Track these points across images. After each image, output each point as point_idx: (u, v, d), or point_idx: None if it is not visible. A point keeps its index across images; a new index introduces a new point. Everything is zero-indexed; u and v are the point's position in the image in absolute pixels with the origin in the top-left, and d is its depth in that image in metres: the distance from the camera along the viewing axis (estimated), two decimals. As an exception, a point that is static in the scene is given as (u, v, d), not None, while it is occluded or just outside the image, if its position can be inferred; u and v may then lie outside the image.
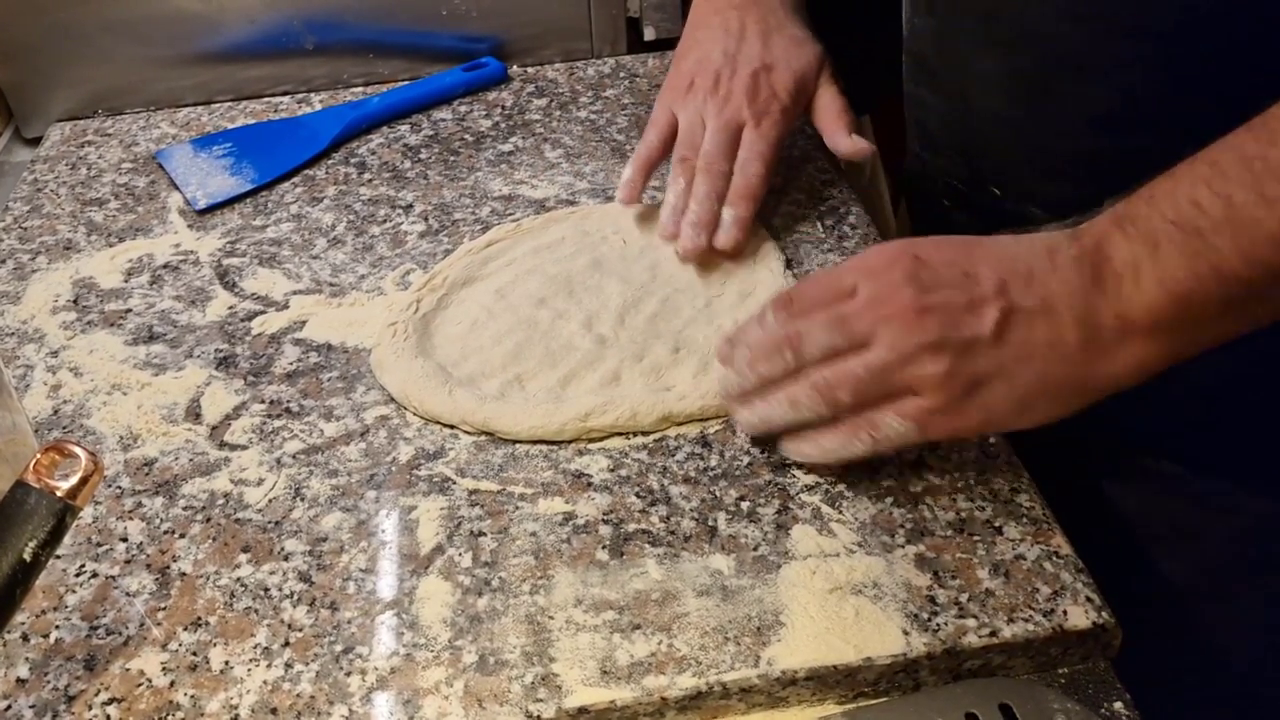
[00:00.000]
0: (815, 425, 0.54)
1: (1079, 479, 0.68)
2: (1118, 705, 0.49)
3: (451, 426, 0.62)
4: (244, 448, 0.62)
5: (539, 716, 0.48)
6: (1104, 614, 0.50)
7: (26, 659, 0.52)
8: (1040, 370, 0.50)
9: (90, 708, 0.49)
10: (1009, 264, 0.51)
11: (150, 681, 0.50)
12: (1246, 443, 0.62)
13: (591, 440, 0.61)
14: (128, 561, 0.56)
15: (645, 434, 0.61)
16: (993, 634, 0.50)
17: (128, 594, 0.54)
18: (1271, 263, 0.45)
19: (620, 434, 0.61)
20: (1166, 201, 0.47)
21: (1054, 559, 0.53)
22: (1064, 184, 0.52)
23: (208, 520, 0.58)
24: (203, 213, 0.83)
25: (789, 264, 0.72)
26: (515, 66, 1.00)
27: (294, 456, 0.61)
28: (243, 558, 0.56)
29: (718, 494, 0.57)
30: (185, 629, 0.52)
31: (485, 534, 0.56)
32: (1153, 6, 0.54)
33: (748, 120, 0.71)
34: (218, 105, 0.98)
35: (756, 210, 0.71)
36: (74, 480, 0.46)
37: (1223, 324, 0.48)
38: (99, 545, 0.57)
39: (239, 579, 0.55)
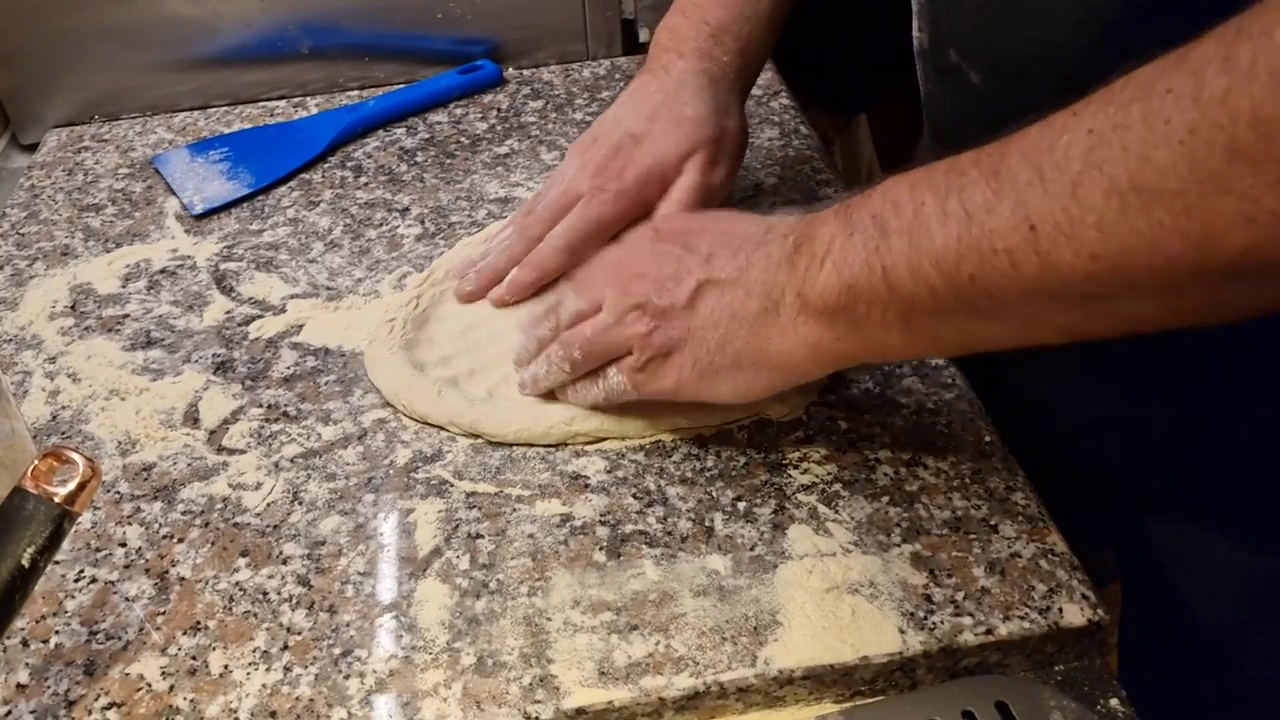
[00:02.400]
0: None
1: (1102, 511, 0.68)
2: (1113, 702, 0.49)
3: (442, 428, 0.62)
4: (242, 452, 0.63)
5: (537, 718, 0.48)
6: (1099, 611, 0.51)
7: (26, 664, 0.52)
8: (721, 337, 0.53)
9: (90, 712, 0.50)
10: (724, 238, 0.55)
11: (150, 686, 0.50)
12: (1245, 496, 0.62)
13: (589, 442, 0.61)
14: (127, 566, 0.56)
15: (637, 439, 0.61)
16: (989, 632, 0.50)
17: (127, 599, 0.55)
18: (930, 279, 0.44)
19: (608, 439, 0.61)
20: (879, 195, 0.47)
21: (1049, 557, 0.53)
22: None
23: (206, 525, 0.58)
24: (199, 218, 0.84)
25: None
26: (510, 69, 1.00)
27: (292, 460, 0.62)
28: (241, 562, 0.56)
29: (714, 494, 0.57)
30: (184, 633, 0.53)
31: (483, 536, 0.56)
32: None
33: (585, 193, 0.69)
34: (214, 110, 0.99)
35: (541, 280, 0.70)
36: (72, 486, 0.46)
37: (894, 329, 0.47)
38: (98, 550, 0.57)
39: (238, 583, 0.55)
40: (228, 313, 0.73)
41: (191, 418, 0.65)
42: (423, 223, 0.81)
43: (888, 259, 0.46)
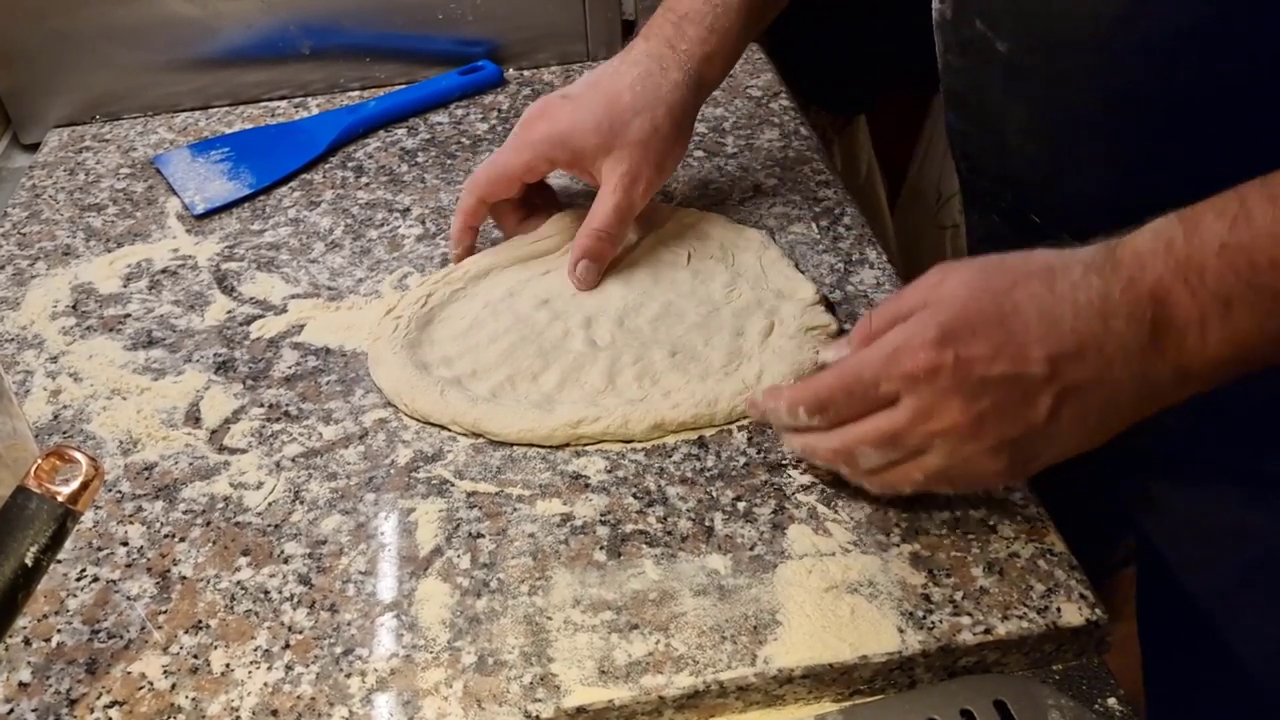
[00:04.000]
0: None
1: (1113, 483, 0.68)
2: (1111, 701, 0.49)
3: (444, 427, 0.63)
4: (243, 451, 0.63)
5: (537, 716, 0.48)
6: (1097, 611, 0.51)
7: (29, 663, 0.52)
8: (1093, 428, 0.49)
9: (92, 711, 0.50)
10: (1057, 337, 0.48)
11: (151, 684, 0.51)
12: (1259, 458, 0.62)
13: (588, 444, 0.61)
14: (128, 565, 0.57)
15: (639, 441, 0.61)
16: (987, 631, 0.50)
17: (129, 598, 0.55)
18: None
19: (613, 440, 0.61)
20: (1241, 257, 0.45)
21: (1048, 557, 0.53)
22: (1100, 222, 0.51)
23: (208, 524, 0.58)
24: (201, 217, 0.84)
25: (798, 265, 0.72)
26: (511, 70, 1.00)
27: (293, 460, 0.62)
28: (243, 561, 0.56)
29: (714, 494, 0.58)
30: (186, 632, 0.53)
31: (483, 535, 0.56)
32: (1171, 73, 0.53)
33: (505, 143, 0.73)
34: (215, 110, 0.99)
35: (461, 224, 0.74)
36: (75, 485, 0.47)
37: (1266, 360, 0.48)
38: (100, 549, 0.58)
39: (239, 582, 0.55)
40: (229, 312, 0.74)
41: (193, 417, 0.65)
42: (424, 223, 0.81)
43: (1253, 324, 0.45)
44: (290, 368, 0.68)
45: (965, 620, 0.50)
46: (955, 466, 0.50)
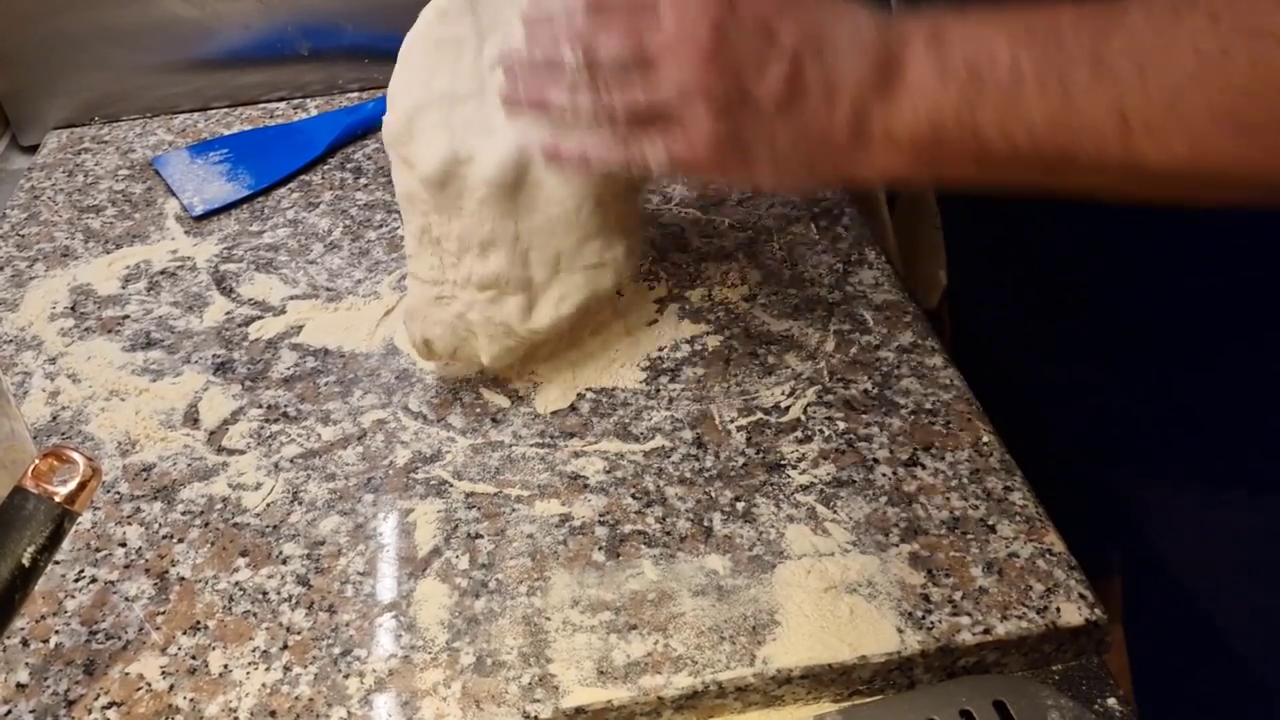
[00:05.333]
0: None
1: (1093, 469, 0.68)
2: (1111, 701, 0.49)
3: (447, 430, 0.62)
4: (242, 452, 0.63)
5: (536, 717, 0.48)
6: (1096, 611, 0.51)
7: (26, 664, 0.52)
8: (804, 147, 0.50)
9: (90, 712, 0.50)
10: (814, 30, 0.49)
11: (150, 685, 0.51)
12: (1262, 444, 0.62)
13: (589, 446, 0.61)
14: (126, 566, 0.56)
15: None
16: (986, 631, 0.50)
17: (127, 599, 0.55)
18: (1017, 143, 0.45)
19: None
20: (972, 39, 0.46)
21: (1047, 556, 0.53)
22: (1064, 220, 0.52)
23: (206, 525, 0.58)
24: (199, 219, 0.84)
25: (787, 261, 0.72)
26: (510, 71, 1.00)
27: (291, 461, 0.62)
28: (241, 562, 0.56)
29: (713, 495, 0.58)
30: (184, 633, 0.53)
31: (482, 536, 0.56)
32: None
33: None
34: (214, 111, 0.99)
35: None
36: (72, 485, 0.47)
37: (970, 171, 0.48)
38: (98, 550, 0.57)
39: (237, 583, 0.55)
40: (227, 314, 0.74)
41: (191, 418, 0.65)
42: (422, 224, 0.81)
43: (980, 115, 0.46)
44: (289, 369, 0.68)
45: (964, 620, 0.50)
46: (674, 102, 0.50)
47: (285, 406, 0.65)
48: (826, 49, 0.49)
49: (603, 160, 0.53)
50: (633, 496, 0.58)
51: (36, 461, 0.47)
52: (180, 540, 0.58)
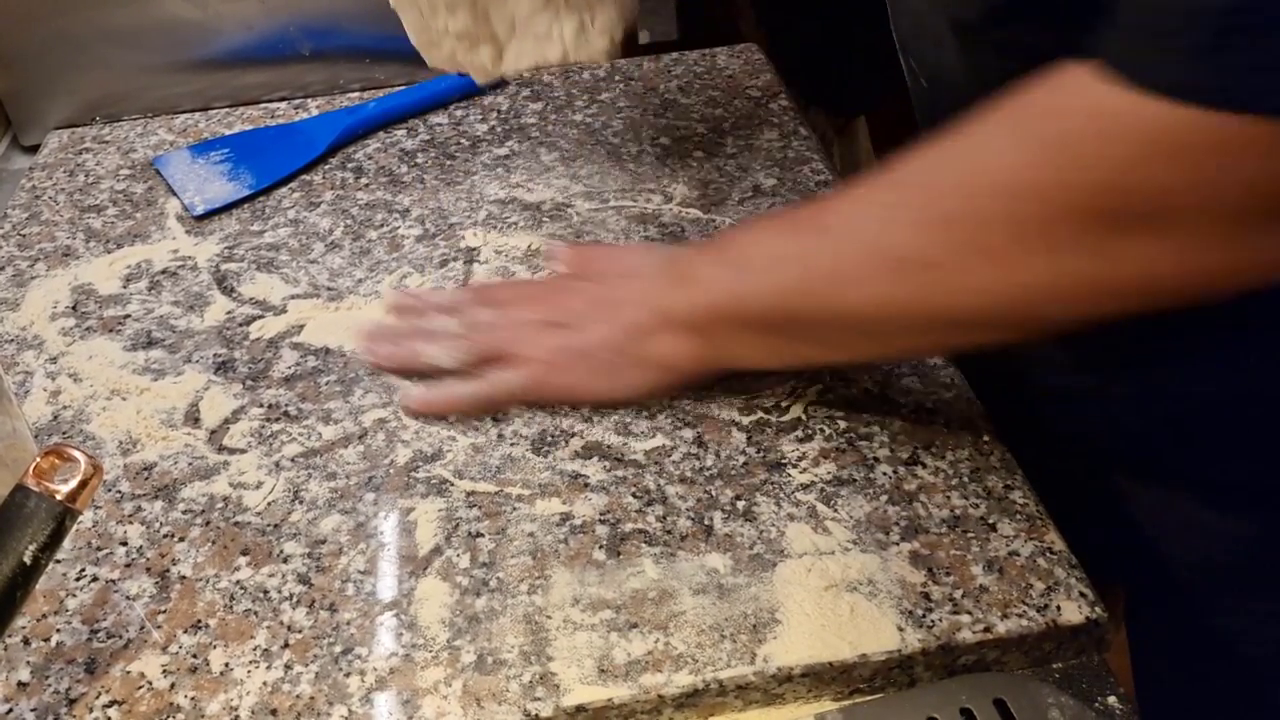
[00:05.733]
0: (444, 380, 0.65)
1: (1084, 470, 0.68)
2: (1111, 700, 0.49)
3: (448, 429, 0.63)
4: (243, 451, 0.63)
5: (537, 715, 0.48)
6: (1097, 609, 0.51)
7: (28, 662, 0.52)
8: (615, 342, 0.62)
9: (91, 710, 0.50)
10: (623, 266, 0.68)
11: (151, 684, 0.51)
12: (1231, 451, 0.62)
13: (589, 445, 0.61)
14: (128, 565, 0.57)
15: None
16: (987, 630, 0.50)
17: (128, 597, 0.55)
18: (771, 306, 0.56)
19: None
20: (746, 240, 0.61)
21: (1047, 555, 0.53)
22: None
23: (207, 524, 0.58)
24: (200, 218, 0.84)
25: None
26: (511, 71, 1.00)
27: (292, 460, 0.62)
28: (242, 560, 0.56)
29: (714, 493, 0.58)
30: (185, 631, 0.53)
31: (483, 535, 0.56)
32: None
33: None
34: (215, 111, 0.99)
35: None
36: (73, 484, 0.47)
37: (749, 340, 0.59)
38: (99, 549, 0.58)
39: (238, 581, 0.55)
40: (228, 313, 0.74)
41: (192, 417, 0.65)
42: (423, 224, 0.81)
43: (742, 289, 0.58)
44: (290, 368, 0.68)
45: (965, 619, 0.50)
46: (514, 335, 0.65)
47: (286, 406, 0.66)
48: (630, 275, 0.66)
49: (469, 397, 0.64)
50: (633, 495, 0.58)
51: (38, 460, 0.47)
52: (181, 539, 0.58)
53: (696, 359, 0.61)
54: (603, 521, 0.57)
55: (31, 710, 0.50)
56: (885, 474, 0.58)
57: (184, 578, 0.56)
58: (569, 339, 0.63)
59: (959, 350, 0.64)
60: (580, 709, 0.48)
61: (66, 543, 0.50)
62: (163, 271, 0.78)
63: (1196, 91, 0.41)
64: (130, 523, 0.59)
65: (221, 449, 0.63)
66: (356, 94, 1.00)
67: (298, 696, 0.50)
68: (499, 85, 0.98)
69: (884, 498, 0.57)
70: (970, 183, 0.49)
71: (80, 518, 0.48)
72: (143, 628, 0.53)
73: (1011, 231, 0.47)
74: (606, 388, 0.63)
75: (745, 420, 0.62)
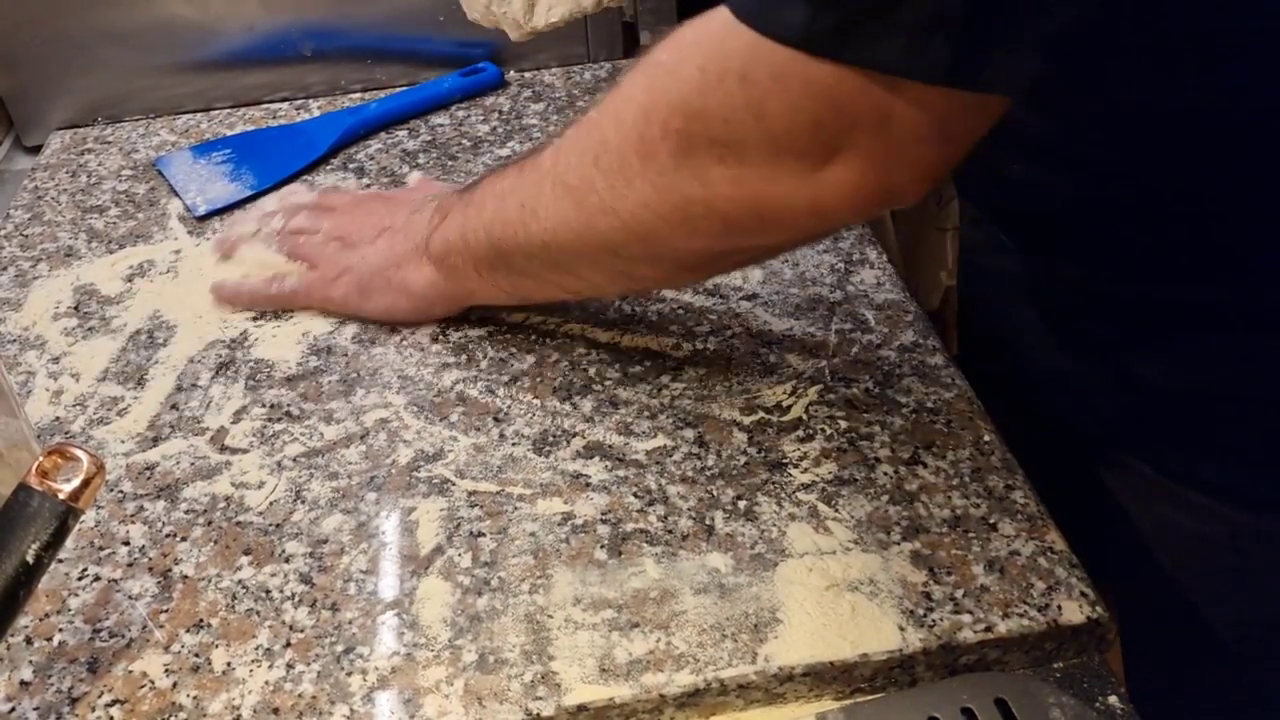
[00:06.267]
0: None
1: (1074, 472, 0.68)
2: (1112, 699, 0.49)
3: (450, 429, 0.63)
4: (245, 451, 0.63)
5: (539, 714, 0.48)
6: (1098, 609, 0.51)
7: (30, 662, 0.52)
8: (377, 264, 0.70)
9: (93, 709, 0.50)
10: (404, 205, 0.73)
11: (153, 683, 0.51)
12: (1221, 454, 0.62)
13: (591, 445, 0.61)
14: (130, 564, 0.57)
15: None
16: (988, 629, 0.50)
17: (130, 597, 0.55)
18: (483, 241, 0.63)
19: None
20: (484, 183, 0.65)
21: (1048, 555, 0.53)
22: (1071, 234, 0.58)
23: (209, 523, 0.59)
24: (203, 219, 0.84)
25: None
26: (512, 71, 1.01)
27: (294, 459, 0.62)
28: (244, 560, 0.56)
29: (715, 493, 0.58)
30: (187, 631, 0.53)
31: (484, 534, 0.56)
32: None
33: None
34: (217, 112, 0.99)
35: None
36: (76, 483, 0.47)
37: (472, 274, 0.65)
38: (101, 549, 0.58)
39: (240, 581, 0.55)
40: (230, 315, 0.74)
41: (194, 418, 0.65)
42: (425, 224, 0.81)
43: (468, 224, 0.64)
44: (292, 368, 0.68)
45: (966, 618, 0.51)
46: (309, 237, 0.75)
47: (288, 405, 0.66)
48: (412, 207, 0.71)
49: (252, 294, 0.74)
50: (635, 495, 0.58)
51: (40, 459, 0.47)
52: (183, 538, 0.58)
53: (437, 290, 0.68)
54: (604, 521, 0.57)
55: (34, 709, 0.50)
56: (886, 474, 0.58)
57: (186, 577, 0.56)
58: (347, 257, 0.71)
59: (643, 292, 0.70)
60: (582, 708, 0.49)
61: (69, 542, 0.50)
62: (165, 272, 0.78)
63: (751, 16, 0.45)
64: (132, 522, 0.59)
65: (224, 449, 0.63)
66: (358, 94, 1.00)
67: (299, 696, 0.50)
68: (500, 86, 0.98)
69: (885, 497, 0.57)
70: (616, 109, 0.53)
71: (83, 517, 0.48)
72: (145, 627, 0.53)
73: (637, 152, 0.51)
74: (359, 305, 0.70)
75: (746, 420, 0.62)
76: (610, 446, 0.61)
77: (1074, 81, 0.50)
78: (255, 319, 0.73)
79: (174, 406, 0.66)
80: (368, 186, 0.86)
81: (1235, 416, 0.61)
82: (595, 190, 0.54)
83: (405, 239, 0.69)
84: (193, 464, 0.62)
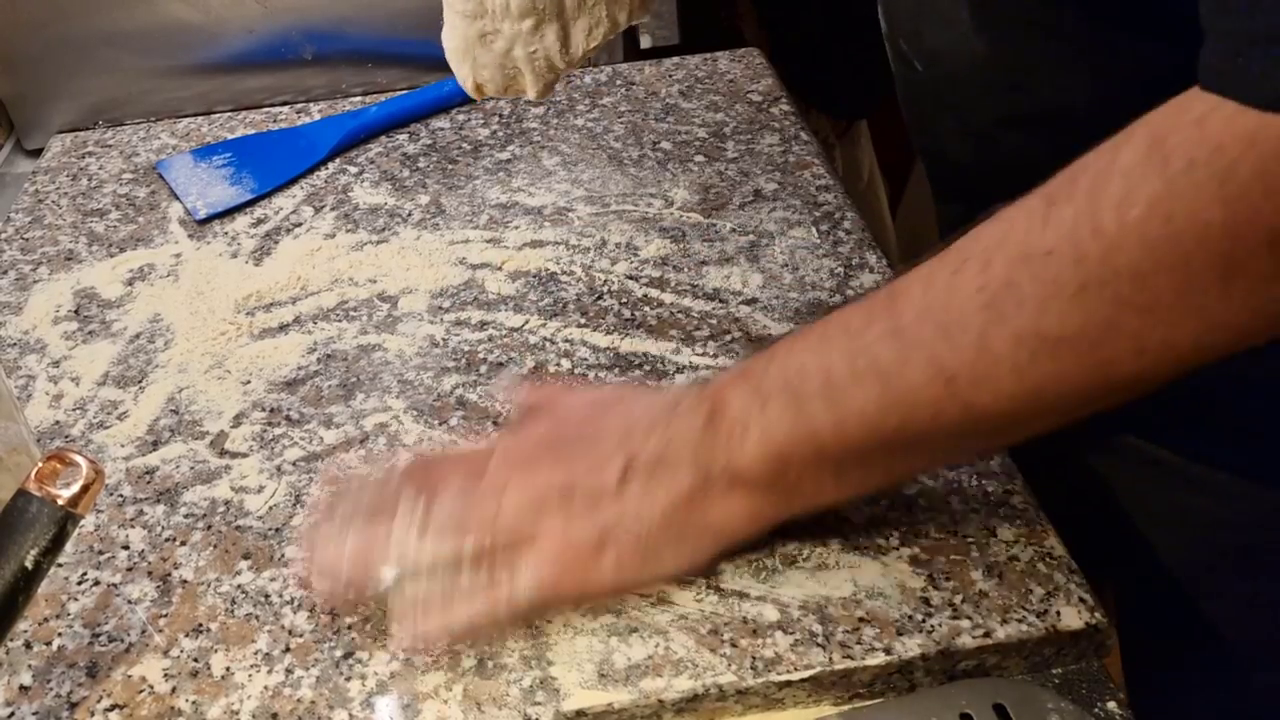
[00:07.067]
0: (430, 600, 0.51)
1: (1071, 462, 0.68)
2: (1111, 705, 0.49)
3: (449, 433, 0.63)
4: (244, 455, 0.63)
5: (537, 719, 0.48)
6: (1097, 614, 0.51)
7: (29, 666, 0.52)
8: (661, 519, 0.50)
9: (93, 714, 0.50)
10: (636, 415, 0.52)
11: (152, 688, 0.51)
12: (1237, 432, 0.62)
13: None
14: (129, 569, 0.57)
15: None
16: (987, 635, 0.50)
17: (129, 601, 0.55)
18: (856, 437, 0.47)
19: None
20: (780, 362, 0.49)
21: (1047, 560, 0.53)
22: None
23: (208, 528, 0.59)
24: (203, 222, 0.84)
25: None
26: (513, 75, 1.01)
27: (294, 464, 0.62)
28: (243, 564, 0.56)
29: (714, 498, 0.58)
30: (186, 635, 0.53)
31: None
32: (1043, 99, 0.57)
33: None
34: (217, 115, 0.99)
35: None
36: (75, 488, 0.47)
37: (828, 483, 0.49)
38: (101, 553, 0.58)
39: (240, 586, 0.55)
40: (231, 316, 0.74)
41: (194, 422, 0.66)
42: (424, 227, 0.81)
43: (812, 422, 0.47)
44: (292, 372, 0.69)
45: (965, 624, 0.50)
46: (524, 516, 0.50)
47: (288, 410, 0.66)
48: (650, 424, 0.51)
49: (474, 621, 0.51)
50: (634, 500, 0.58)
51: (40, 464, 0.47)
52: (183, 543, 0.58)
53: (758, 519, 0.51)
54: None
55: (33, 714, 0.50)
56: (885, 479, 0.58)
57: (185, 582, 0.56)
58: (591, 523, 0.50)
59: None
60: (580, 714, 0.49)
61: (68, 547, 0.50)
62: (166, 275, 0.79)
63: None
64: (132, 527, 0.59)
65: (223, 453, 0.63)
66: (359, 98, 1.00)
67: (299, 700, 0.50)
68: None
69: (884, 502, 0.57)
70: (1093, 269, 0.41)
71: (82, 522, 0.48)
72: (144, 631, 0.53)
73: (1143, 311, 0.41)
74: (639, 574, 0.51)
75: (746, 425, 0.62)
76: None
77: None
78: (254, 327, 0.73)
79: (174, 410, 0.66)
80: (368, 190, 0.86)
81: (1253, 396, 0.60)
82: (1122, 334, 0.41)
83: (677, 470, 0.49)
84: (192, 468, 0.62)
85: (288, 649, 0.52)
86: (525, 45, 0.62)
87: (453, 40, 0.64)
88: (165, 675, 0.51)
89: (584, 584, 0.51)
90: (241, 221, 0.84)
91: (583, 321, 0.70)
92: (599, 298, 0.73)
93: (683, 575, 0.52)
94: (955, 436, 0.46)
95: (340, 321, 0.72)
